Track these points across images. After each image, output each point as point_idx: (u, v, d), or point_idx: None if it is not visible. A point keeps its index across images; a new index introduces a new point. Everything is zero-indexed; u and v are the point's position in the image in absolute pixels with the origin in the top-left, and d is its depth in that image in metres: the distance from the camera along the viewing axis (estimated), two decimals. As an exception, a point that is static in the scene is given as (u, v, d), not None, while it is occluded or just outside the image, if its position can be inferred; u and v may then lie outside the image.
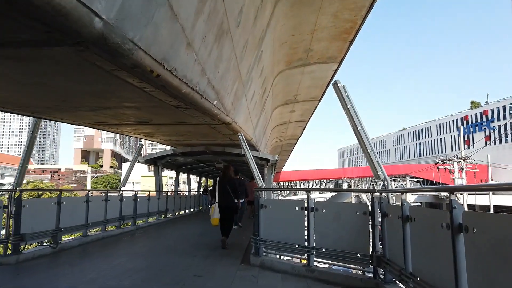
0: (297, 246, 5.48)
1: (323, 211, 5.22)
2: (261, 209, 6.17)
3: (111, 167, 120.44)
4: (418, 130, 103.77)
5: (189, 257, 6.77)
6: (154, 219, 14.42)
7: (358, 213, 4.86)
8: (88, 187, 62.74)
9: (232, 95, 6.41)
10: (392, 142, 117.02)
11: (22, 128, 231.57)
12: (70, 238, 8.47)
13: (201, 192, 24.27)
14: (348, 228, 4.91)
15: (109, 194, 10.12)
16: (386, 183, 6.71)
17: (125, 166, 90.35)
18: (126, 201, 10.96)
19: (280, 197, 40.16)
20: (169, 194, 16.90)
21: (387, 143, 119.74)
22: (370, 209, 4.77)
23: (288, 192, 51.33)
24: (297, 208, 5.53)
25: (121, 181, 14.61)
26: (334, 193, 42.80)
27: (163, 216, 15.15)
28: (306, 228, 5.42)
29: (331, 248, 5.02)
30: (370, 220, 4.73)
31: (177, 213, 17.54)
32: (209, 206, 20.52)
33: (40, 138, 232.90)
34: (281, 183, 55.90)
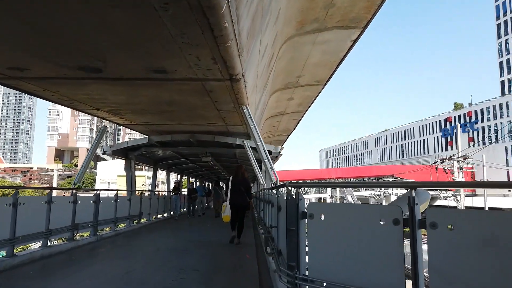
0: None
1: (453, 229, 2.49)
2: (302, 221, 3.43)
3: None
4: (401, 131, 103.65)
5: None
6: (124, 226, 11.46)
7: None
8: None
9: (250, 18, 3.71)
10: (374, 143, 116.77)
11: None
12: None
13: (171, 193, 16.95)
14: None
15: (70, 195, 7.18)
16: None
17: (101, 165, 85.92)
18: (82, 203, 7.99)
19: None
20: (145, 194, 14.01)
21: (369, 144, 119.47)
22: None
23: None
24: (383, 222, 2.77)
25: (94, 179, 11.53)
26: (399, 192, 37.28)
27: (136, 221, 12.20)
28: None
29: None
30: None
31: (153, 217, 14.59)
32: (181, 210, 17.56)
33: (12, 136, 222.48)
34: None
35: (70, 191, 8.08)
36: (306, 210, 3.29)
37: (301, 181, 58.90)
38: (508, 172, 62.65)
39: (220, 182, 25.83)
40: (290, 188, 3.63)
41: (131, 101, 6.59)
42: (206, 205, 21.63)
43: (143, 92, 6.05)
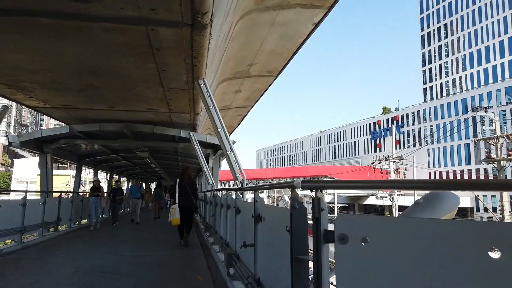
0: None
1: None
2: (325, 246, 2.02)
3: (2, 164, 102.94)
4: (334, 133, 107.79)
5: None
6: (36, 235, 9.20)
7: None
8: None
9: None
10: (309, 144, 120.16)
11: None
12: None
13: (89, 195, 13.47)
14: None
15: None
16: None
17: (19, 163, 77.50)
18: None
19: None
20: (68, 195, 11.73)
21: (304, 145, 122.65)
22: None
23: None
24: (497, 256, 1.31)
25: (10, 178, 9.05)
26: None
27: (53, 229, 9.97)
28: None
29: None
30: None
31: (76, 223, 12.31)
32: (102, 215, 14.71)
33: None
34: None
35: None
36: (334, 228, 1.89)
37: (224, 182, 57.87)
38: (429, 173, 67.68)
39: (158, 183, 23.84)
40: (298, 189, 2.22)
41: (38, 64, 4.66)
42: (143, 207, 19.22)
43: (53, 46, 4.15)
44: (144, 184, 21.17)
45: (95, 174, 18.06)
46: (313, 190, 2.03)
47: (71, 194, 12.82)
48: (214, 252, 6.68)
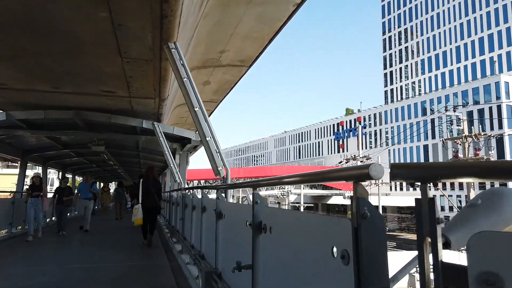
0: None
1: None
2: None
3: None
4: (299, 133, 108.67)
5: None
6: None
7: None
8: None
9: None
10: (274, 144, 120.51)
11: None
12: None
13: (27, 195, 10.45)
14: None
15: None
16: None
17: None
18: None
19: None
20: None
21: (269, 145, 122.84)
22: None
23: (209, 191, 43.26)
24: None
25: None
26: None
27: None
28: None
29: None
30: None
31: (18, 227, 10.64)
32: (46, 221, 12.41)
33: None
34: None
35: None
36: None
37: (213, 181, 56.41)
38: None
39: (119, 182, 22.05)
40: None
41: None
42: (96, 209, 17.42)
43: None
44: (99, 183, 19.31)
45: (45, 174, 16.09)
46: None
47: (12, 195, 11.10)
48: (183, 263, 5.55)
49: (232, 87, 15.39)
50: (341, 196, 54.95)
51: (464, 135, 19.52)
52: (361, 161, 29.64)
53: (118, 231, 11.92)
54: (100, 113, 7.79)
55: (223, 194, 3.58)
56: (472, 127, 20.33)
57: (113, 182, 45.30)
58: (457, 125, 27.85)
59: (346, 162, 29.98)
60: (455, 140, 20.89)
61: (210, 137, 3.86)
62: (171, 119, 18.08)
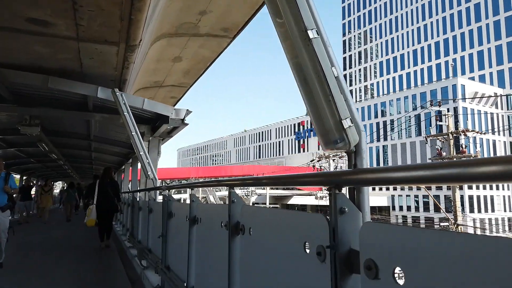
0: None
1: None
2: None
3: None
4: (259, 132, 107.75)
5: None
6: None
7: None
8: None
9: None
10: (233, 143, 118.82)
11: None
12: None
13: None
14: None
15: None
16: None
17: None
18: None
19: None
20: None
21: (228, 144, 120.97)
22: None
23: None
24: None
25: None
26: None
27: None
28: None
29: None
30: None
31: None
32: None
33: None
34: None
35: None
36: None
37: (170, 180, 53.11)
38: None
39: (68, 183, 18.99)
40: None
41: None
42: (25, 215, 13.92)
43: None
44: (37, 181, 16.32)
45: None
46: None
47: None
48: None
49: (207, 68, 12.83)
50: (303, 197, 54.07)
51: (450, 131, 18.47)
52: (333, 160, 28.32)
53: (64, 242, 9.05)
54: (31, 74, 5.14)
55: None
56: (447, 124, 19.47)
57: (61, 182, 40.65)
58: (439, 122, 27.24)
59: (318, 160, 28.53)
60: (438, 138, 19.87)
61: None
62: (140, 80, 15.13)
